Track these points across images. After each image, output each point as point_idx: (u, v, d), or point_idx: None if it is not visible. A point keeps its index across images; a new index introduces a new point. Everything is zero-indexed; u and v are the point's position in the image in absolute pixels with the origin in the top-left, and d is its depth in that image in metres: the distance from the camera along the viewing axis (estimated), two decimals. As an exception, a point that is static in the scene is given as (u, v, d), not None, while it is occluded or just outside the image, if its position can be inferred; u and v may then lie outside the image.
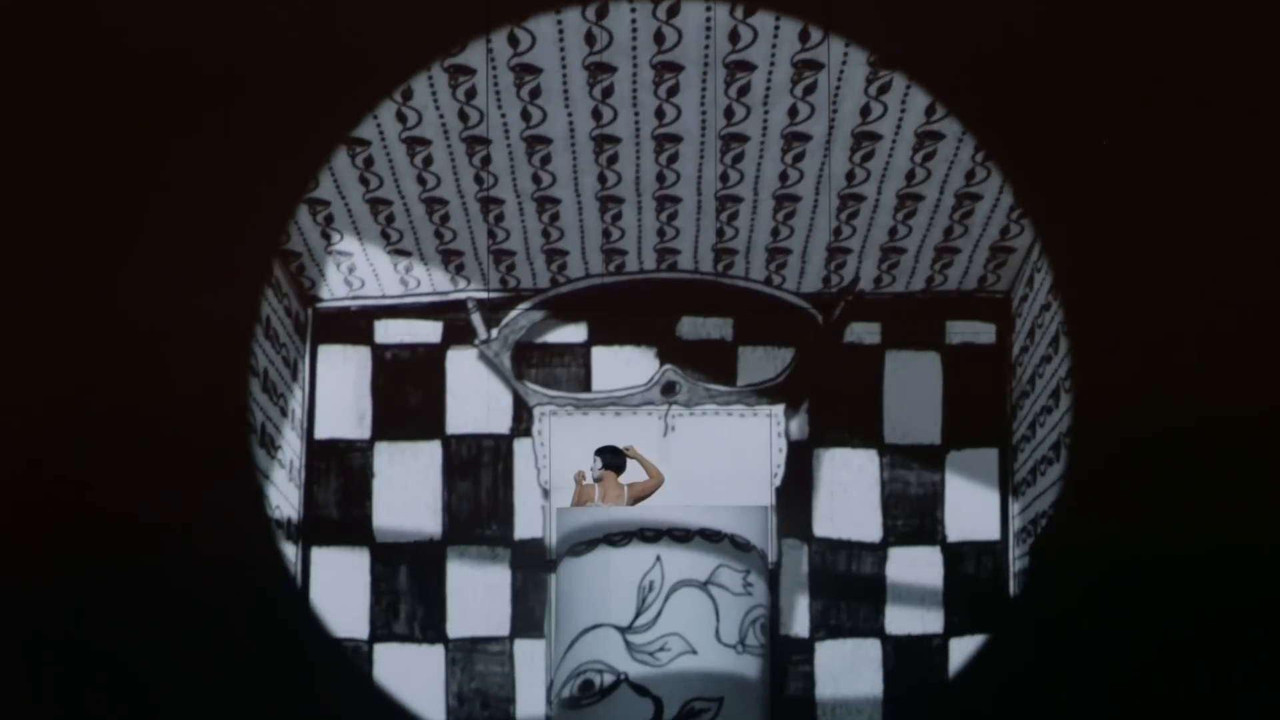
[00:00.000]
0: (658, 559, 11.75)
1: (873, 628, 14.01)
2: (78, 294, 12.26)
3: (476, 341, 14.05)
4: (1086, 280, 12.83)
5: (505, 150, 12.85)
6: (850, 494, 14.13)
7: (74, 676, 12.15)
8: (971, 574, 14.07)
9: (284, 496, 13.64)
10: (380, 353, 14.16)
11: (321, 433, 14.05)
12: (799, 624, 14.02)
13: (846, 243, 13.70)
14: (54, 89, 12.23)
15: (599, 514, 12.07)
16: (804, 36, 12.10)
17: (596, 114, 12.58)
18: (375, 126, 12.65)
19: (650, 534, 11.81)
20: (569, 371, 14.22)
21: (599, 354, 14.21)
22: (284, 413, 13.73)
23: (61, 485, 12.12)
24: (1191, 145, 12.48)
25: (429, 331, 14.18)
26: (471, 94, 12.44)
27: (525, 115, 12.58)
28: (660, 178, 13.14)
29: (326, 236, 13.60)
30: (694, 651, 11.66)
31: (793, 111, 12.59)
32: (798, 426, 14.15)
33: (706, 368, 14.15)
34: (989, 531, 14.12)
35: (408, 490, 14.02)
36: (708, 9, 11.98)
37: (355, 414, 14.07)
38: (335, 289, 14.12)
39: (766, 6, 12.00)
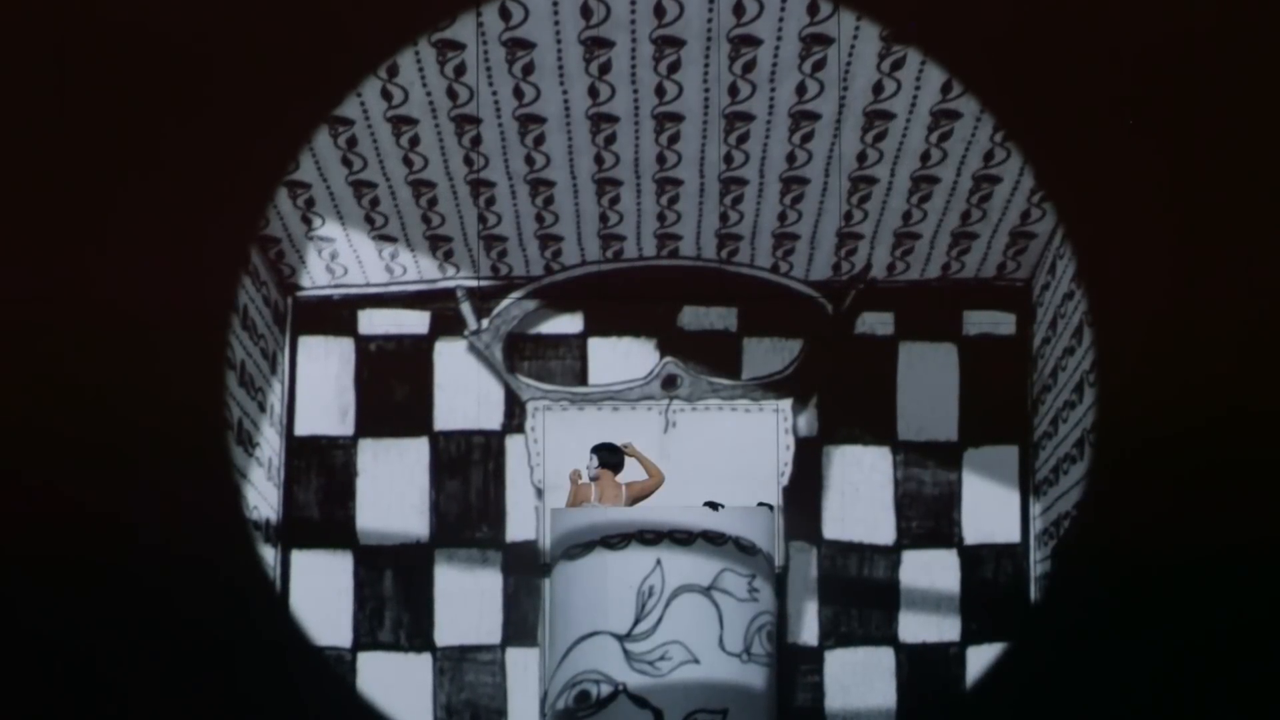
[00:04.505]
0: (658, 563, 11.76)
1: (885, 635, 14.03)
2: (44, 282, 12.26)
3: (466, 332, 14.06)
4: (1112, 267, 12.84)
5: (496, 130, 12.85)
6: (862, 494, 14.14)
7: (43, 681, 12.15)
8: (990, 578, 14.08)
9: (262, 496, 13.65)
10: (364, 344, 14.16)
11: (302, 429, 14.06)
12: (807, 632, 14.03)
13: (858, 228, 13.70)
14: (18, 65, 12.23)
15: (596, 515, 12.07)
16: (813, 10, 12.11)
17: (593, 91, 12.58)
18: (359, 104, 12.66)
19: (650, 536, 11.81)
20: (564, 364, 14.22)
21: (596, 345, 14.22)
22: (262, 408, 13.74)
23: (28, 483, 12.12)
24: (1223, 123, 12.48)
25: (416, 322, 14.19)
26: (461, 70, 12.45)
27: (518, 93, 12.58)
28: (661, 159, 13.15)
29: (307, 221, 13.61)
30: (696, 661, 11.67)
31: (801, 89, 12.59)
32: (806, 422, 14.15)
33: (709, 360, 14.15)
34: (1008, 533, 14.13)
35: (393, 490, 14.03)
36: (711, -20, 12.02)
37: (338, 409, 14.08)
38: (316, 277, 14.11)
39: (773, -23, 12.04)
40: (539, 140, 12.94)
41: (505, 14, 12.06)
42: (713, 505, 12.04)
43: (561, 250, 13.93)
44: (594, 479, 12.42)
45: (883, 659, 14.00)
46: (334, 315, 14.15)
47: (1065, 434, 13.57)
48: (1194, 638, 12.46)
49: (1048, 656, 13.05)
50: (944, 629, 13.99)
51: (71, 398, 12.21)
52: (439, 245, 13.84)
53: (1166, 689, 12.49)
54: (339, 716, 13.56)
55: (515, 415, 14.10)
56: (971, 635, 13.94)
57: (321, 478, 14.00)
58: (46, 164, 12.22)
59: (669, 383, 14.09)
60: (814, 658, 13.99)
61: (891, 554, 14.10)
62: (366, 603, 13.93)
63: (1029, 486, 14.14)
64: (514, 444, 14.08)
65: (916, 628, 14.00)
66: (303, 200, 13.39)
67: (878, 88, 12.58)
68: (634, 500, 12.35)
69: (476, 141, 12.94)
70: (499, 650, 13.94)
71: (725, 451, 13.90)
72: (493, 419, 14.14)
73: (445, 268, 13.97)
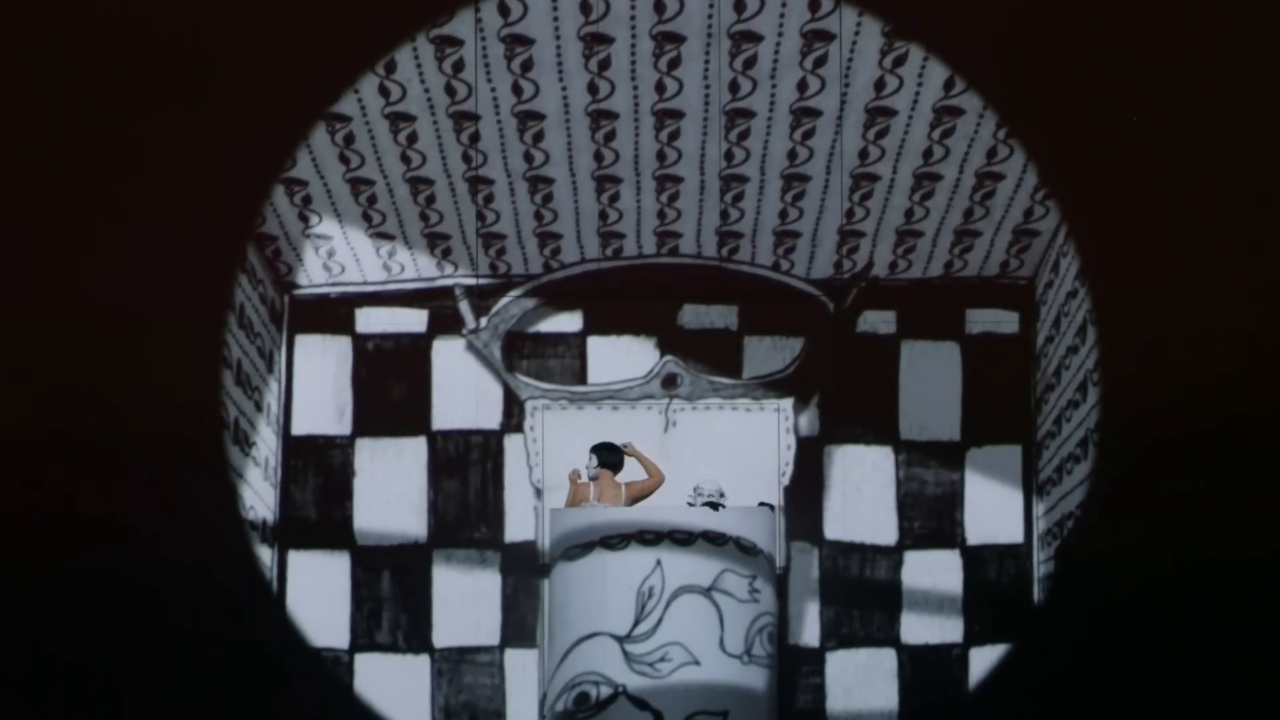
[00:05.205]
0: (658, 563, 11.74)
1: (888, 637, 14.01)
2: (37, 280, 12.23)
3: (464, 331, 14.03)
4: (1116, 265, 12.81)
5: (495, 126, 12.83)
6: (864, 494, 14.12)
7: (38, 682, 12.13)
8: (993, 579, 14.06)
9: (259, 496, 13.62)
10: (361, 343, 14.15)
11: (299, 428, 14.04)
12: (809, 633, 14.01)
13: (859, 225, 13.68)
14: (12, 58, 12.20)
15: (595, 515, 12.05)
16: (814, 5, 12.07)
17: (593, 88, 12.56)
18: (356, 101, 12.63)
19: (650, 536, 11.80)
20: (563, 363, 14.20)
21: (595, 344, 14.20)
22: (259, 407, 13.72)
23: (19, 483, 12.09)
24: (1228, 121, 12.45)
25: (414, 320, 14.17)
26: (459, 66, 12.42)
27: (516, 89, 12.56)
28: (661, 156, 13.12)
29: (304, 219, 13.58)
30: (697, 662, 11.65)
31: (802, 85, 12.56)
32: (807, 422, 14.13)
33: (710, 359, 14.13)
34: (1012, 534, 14.11)
35: (391, 490, 14.01)
36: (711, -25, 11.99)
37: (335, 408, 14.06)
38: (313, 275, 14.10)
39: (774, -28, 12.01)
40: (538, 137, 12.92)
41: (504, 10, 12.02)
42: (713, 505, 12.02)
43: (561, 248, 13.91)
44: (593, 479, 12.41)
45: (885, 660, 13.98)
46: (331, 314, 14.14)
47: (1069, 433, 13.54)
48: (1199, 639, 12.43)
49: (1051, 658, 13.02)
50: (946, 630, 13.98)
51: (65, 397, 12.17)
52: (437, 243, 13.81)
53: (1171, 691, 12.46)
54: (336, 718, 13.54)
55: (514, 414, 14.08)
56: (974, 636, 13.93)
57: (319, 477, 13.99)
58: (40, 161, 12.19)
59: (669, 382, 14.07)
60: (815, 659, 13.97)
61: (894, 554, 14.08)
62: (364, 604, 13.91)
63: (1032, 486, 14.12)
64: (513, 443, 14.07)
65: (919, 629, 13.98)
66: (300, 198, 13.37)
67: (879, 84, 12.55)
68: (634, 500, 12.33)
69: (475, 138, 12.92)
70: (498, 651, 13.92)
71: (726, 451, 13.88)
72: (491, 418, 14.12)
73: (443, 266, 13.95)
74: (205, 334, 12.73)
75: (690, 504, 12.25)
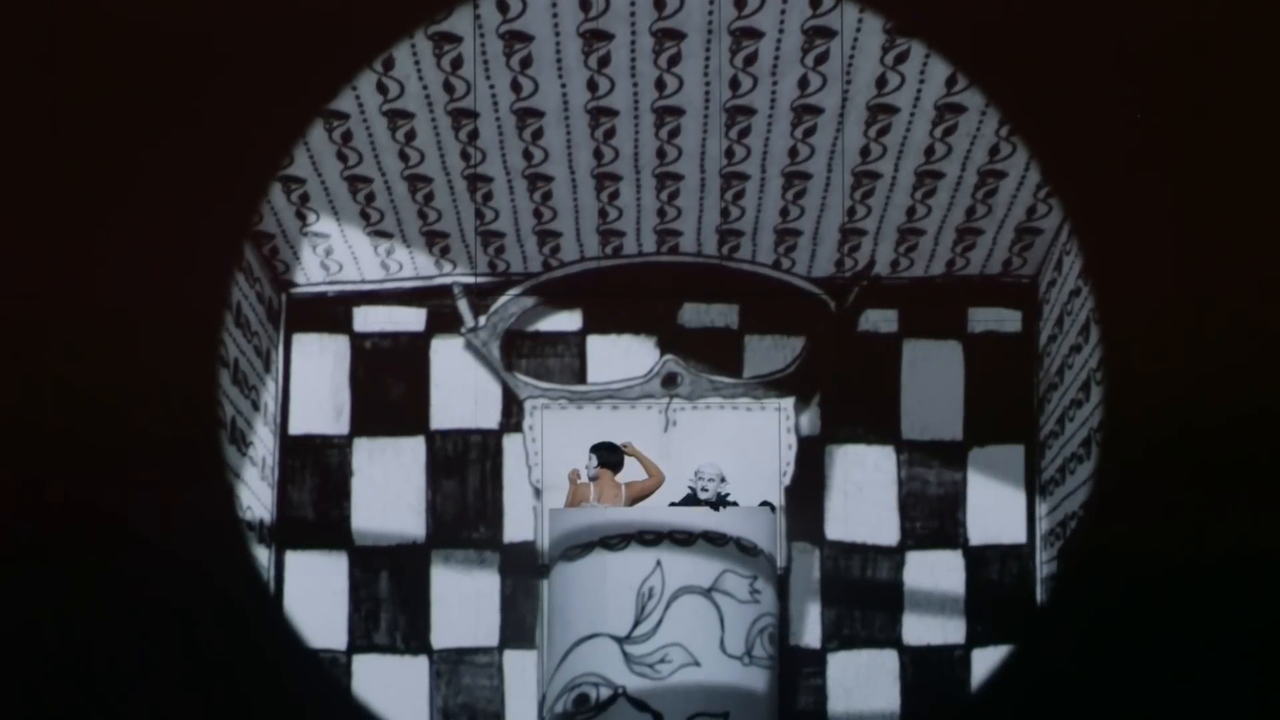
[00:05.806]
0: (658, 564, 11.73)
1: (889, 638, 13.99)
2: (33, 279, 12.22)
3: (463, 330, 14.02)
4: (1119, 264, 12.79)
5: (494, 124, 12.81)
6: (865, 494, 14.10)
7: (30, 685, 12.11)
8: (996, 580, 14.05)
9: (256, 496, 13.61)
10: (359, 342, 14.13)
11: (296, 428, 14.02)
12: (810, 634, 13.99)
13: (861, 223, 13.66)
14: (10, 60, 12.19)
15: (595, 515, 12.04)
16: (815, 1, 12.06)
17: (592, 85, 12.54)
18: (354, 98, 12.62)
19: (650, 537, 11.78)
20: (562, 362, 14.18)
21: (595, 343, 14.18)
22: (256, 406, 13.70)
23: (16, 481, 12.08)
24: (1232, 118, 12.44)
25: (412, 319, 14.15)
26: (458, 63, 12.40)
27: (515, 86, 12.54)
28: (661, 153, 13.11)
29: (301, 217, 13.56)
30: (697, 663, 11.64)
31: (803, 82, 12.55)
32: (809, 421, 14.12)
33: (710, 358, 14.11)
34: (1014, 534, 14.10)
35: (389, 490, 13.99)
36: (712, -29, 11.98)
37: (332, 407, 14.04)
38: (311, 273, 14.08)
39: (775, -31, 11.99)
40: (537, 135, 12.90)
41: (503, 6, 12.00)
42: (714, 505, 12.00)
43: (560, 246, 13.89)
44: (593, 479, 12.39)
45: (886, 661, 13.97)
46: (329, 312, 14.13)
47: (1072, 433, 13.53)
48: (1203, 640, 12.41)
49: (1054, 659, 13.00)
50: (948, 631, 13.96)
51: (62, 396, 12.16)
52: (435, 241, 13.80)
53: (1175, 692, 12.45)
54: (334, 720, 13.55)
55: (513, 414, 14.06)
56: (976, 637, 13.91)
57: (316, 477, 13.97)
58: (37, 159, 12.17)
59: (669, 381, 14.05)
60: (816, 660, 13.96)
61: (895, 555, 14.07)
62: (362, 604, 13.90)
63: (1035, 486, 14.11)
64: (512, 443, 14.05)
65: (920, 630, 13.97)
66: (297, 195, 13.35)
67: (881, 81, 12.53)
68: (634, 500, 12.31)
69: (474, 136, 12.90)
70: (496, 653, 13.90)
71: (726, 451, 13.86)
72: (490, 418, 14.11)
73: (442, 264, 13.94)
74: (202, 333, 12.71)
75: (691, 488, 12.25)
